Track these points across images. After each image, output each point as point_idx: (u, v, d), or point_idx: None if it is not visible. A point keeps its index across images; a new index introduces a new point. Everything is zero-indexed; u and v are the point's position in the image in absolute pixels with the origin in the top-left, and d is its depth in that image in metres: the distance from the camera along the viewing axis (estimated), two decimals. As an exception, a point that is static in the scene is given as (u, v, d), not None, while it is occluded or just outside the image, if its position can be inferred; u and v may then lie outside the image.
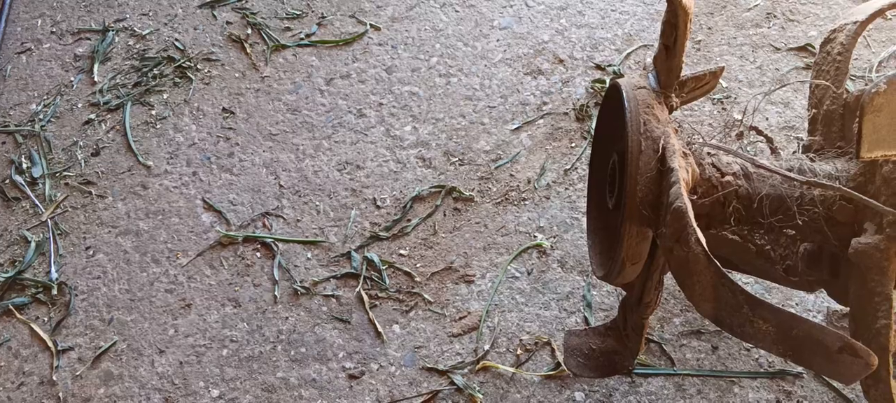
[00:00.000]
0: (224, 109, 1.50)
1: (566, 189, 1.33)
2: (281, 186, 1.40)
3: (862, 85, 1.34)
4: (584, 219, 1.28)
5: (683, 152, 0.83)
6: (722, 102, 1.36)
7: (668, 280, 1.22)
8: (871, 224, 0.85)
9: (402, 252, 1.30)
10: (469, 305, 1.24)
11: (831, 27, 0.99)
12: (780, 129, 1.31)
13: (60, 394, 1.22)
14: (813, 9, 1.46)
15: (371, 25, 1.56)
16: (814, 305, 1.15)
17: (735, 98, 1.36)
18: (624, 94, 0.86)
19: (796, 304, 1.16)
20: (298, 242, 1.33)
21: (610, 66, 1.45)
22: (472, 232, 1.31)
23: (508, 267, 1.27)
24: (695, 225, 0.73)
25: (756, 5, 1.48)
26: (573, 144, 1.38)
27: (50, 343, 1.27)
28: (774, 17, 1.46)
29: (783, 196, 0.87)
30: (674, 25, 0.83)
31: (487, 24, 1.54)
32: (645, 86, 0.87)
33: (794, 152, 0.96)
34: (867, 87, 0.73)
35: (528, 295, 1.24)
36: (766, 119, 1.33)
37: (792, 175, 0.83)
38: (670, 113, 0.91)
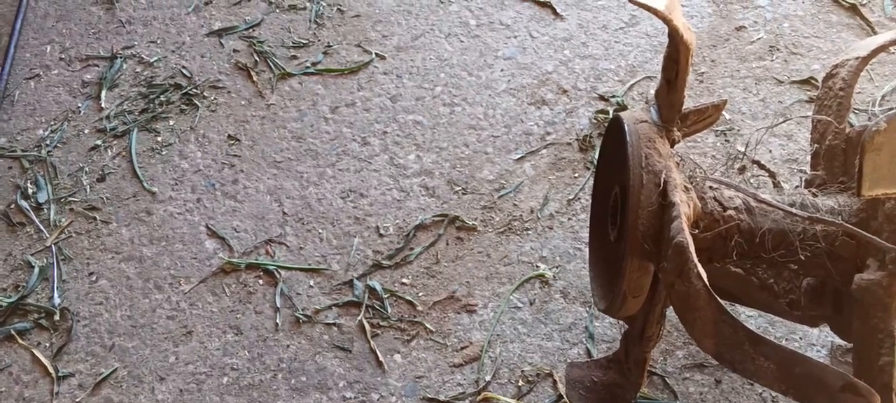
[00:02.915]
0: (229, 136, 1.51)
1: (569, 219, 1.33)
2: (284, 213, 1.40)
3: (865, 119, 1.35)
4: (587, 250, 1.28)
5: (685, 186, 0.83)
6: (725, 134, 1.36)
7: (671, 313, 1.22)
8: (874, 260, 0.85)
9: (404, 280, 1.30)
10: (471, 335, 1.24)
11: (834, 62, 0.99)
12: (784, 162, 1.31)
13: (60, 421, 1.22)
14: (816, 42, 1.47)
15: (376, 54, 1.58)
16: (818, 339, 1.14)
17: (738, 130, 1.36)
18: (626, 128, 0.86)
19: (800, 338, 1.15)
20: (301, 270, 1.33)
21: (613, 96, 1.46)
22: (475, 261, 1.31)
23: (511, 297, 1.26)
24: (696, 260, 0.73)
25: (759, 39, 1.49)
26: (576, 174, 1.38)
27: (51, 370, 1.27)
28: (777, 50, 1.46)
29: (785, 231, 0.87)
30: (675, 60, 0.84)
31: (492, 54, 1.55)
32: (646, 120, 0.88)
33: (797, 186, 0.96)
34: (868, 125, 0.74)
35: (531, 326, 1.24)
36: (770, 151, 1.33)
37: (794, 211, 0.83)
38: (672, 146, 0.91)
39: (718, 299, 0.71)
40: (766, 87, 1.42)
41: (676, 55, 0.83)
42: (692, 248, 0.74)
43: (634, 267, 0.82)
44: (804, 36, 1.48)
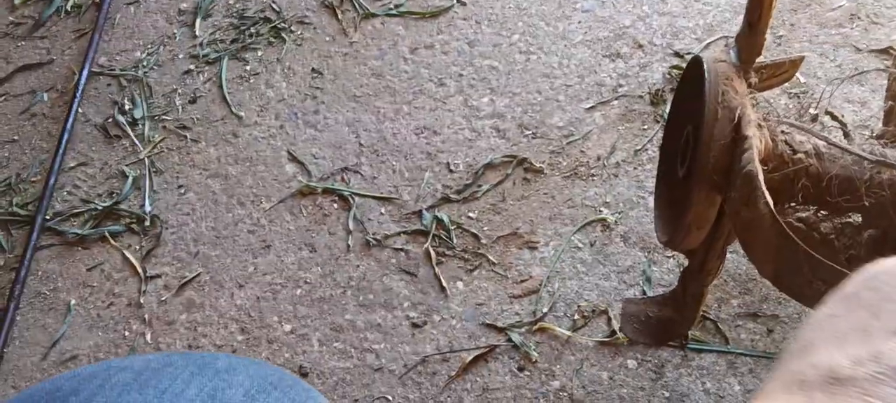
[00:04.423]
0: (313, 70, 1.59)
1: (635, 168, 1.37)
2: (361, 145, 1.47)
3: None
4: (651, 199, 1.31)
5: (759, 124, 0.87)
6: (798, 97, 1.37)
7: (729, 263, 1.25)
8: (940, 210, 0.86)
9: (470, 215, 1.36)
10: (531, 270, 1.29)
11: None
12: (855, 128, 1.32)
13: (146, 316, 1.32)
14: (899, 13, 1.46)
15: (457, 0, 1.62)
16: (876, 299, 1.15)
17: (812, 93, 1.37)
18: (704, 65, 0.90)
19: (858, 297, 1.17)
20: (373, 197, 1.40)
21: (689, 54, 1.47)
22: (540, 201, 1.36)
23: (572, 238, 1.31)
24: (764, 188, 0.77)
25: (840, 6, 1.49)
26: (645, 127, 1.41)
27: (140, 269, 1.37)
28: (858, 18, 1.46)
29: (852, 177, 0.89)
30: (759, 2, 0.87)
31: (570, 5, 1.58)
32: (725, 61, 0.91)
33: (868, 139, 0.97)
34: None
35: (590, 266, 1.28)
36: (843, 115, 1.33)
37: (863, 154, 0.86)
38: (750, 88, 0.94)
39: (783, 223, 0.74)
40: (844, 54, 1.42)
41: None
42: (761, 177, 0.77)
43: (702, 198, 0.86)
44: (886, 6, 1.47)
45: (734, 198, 0.80)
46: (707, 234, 0.92)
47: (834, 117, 0.95)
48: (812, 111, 0.98)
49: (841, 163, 0.90)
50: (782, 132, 0.92)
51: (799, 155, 0.90)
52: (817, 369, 0.29)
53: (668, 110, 1.14)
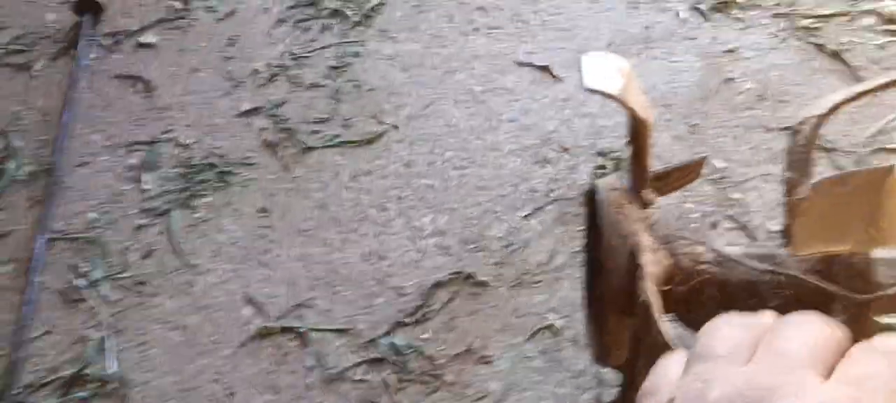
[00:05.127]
0: (261, 209, 1.65)
1: (575, 271, 1.43)
2: (313, 278, 1.52)
3: (852, 162, 1.42)
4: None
5: (653, 248, 0.93)
6: (718, 182, 1.45)
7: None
8: (839, 305, 0.93)
9: (424, 336, 1.41)
10: (488, 385, 1.34)
11: (797, 120, 1.09)
12: (777, 206, 1.40)
13: (118, 481, 1.35)
14: (802, 89, 1.56)
15: (391, 125, 1.70)
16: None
17: (730, 177, 1.45)
18: (597, 197, 0.97)
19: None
20: (329, 330, 1.45)
21: (612, 152, 1.56)
22: (489, 315, 1.41)
23: (524, 348, 1.36)
24: (658, 315, 0.83)
25: (747, 89, 1.58)
26: (581, 228, 1.48)
27: (109, 435, 1.40)
28: (765, 99, 1.56)
29: (754, 281, 0.96)
30: (636, 137, 0.94)
31: (496, 117, 1.66)
32: (618, 188, 0.98)
33: (774, 233, 1.05)
34: (795, 193, 0.83)
35: (545, 373, 1.33)
36: (761, 196, 1.41)
37: (755, 264, 0.92)
38: (646, 208, 1.01)
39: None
40: (757, 135, 1.51)
41: (636, 132, 0.93)
42: (656, 305, 0.84)
43: (614, 322, 0.92)
44: (791, 84, 1.57)
45: (637, 324, 0.86)
46: (630, 352, 0.98)
47: (734, 221, 1.02)
48: (712, 217, 1.05)
49: (739, 270, 0.97)
50: (684, 244, 0.98)
51: (701, 266, 0.97)
52: None
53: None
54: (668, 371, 0.33)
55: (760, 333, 0.32)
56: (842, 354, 0.31)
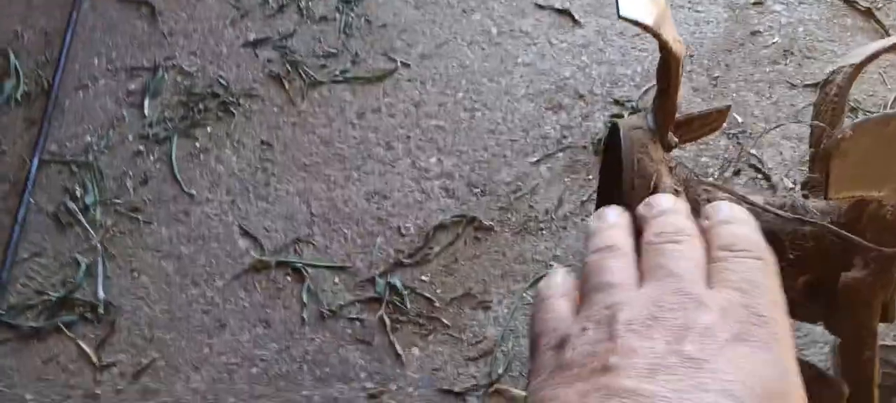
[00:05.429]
0: (263, 142, 1.60)
1: (582, 219, 1.38)
2: (312, 215, 1.48)
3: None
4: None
5: (675, 190, 0.88)
6: (737, 137, 1.39)
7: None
8: (860, 259, 0.88)
9: (423, 278, 1.37)
10: (486, 330, 1.30)
11: (830, 68, 1.02)
12: (795, 164, 1.34)
13: (104, 406, 1.31)
14: (830, 46, 1.49)
15: (401, 63, 1.64)
16: (821, 336, 1.17)
17: (750, 133, 1.39)
18: (621, 134, 0.91)
19: (804, 335, 1.18)
20: (326, 267, 1.41)
21: (628, 101, 1.50)
22: (491, 260, 1.37)
23: (524, 295, 1.32)
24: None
25: (773, 43, 1.52)
26: (590, 177, 1.43)
27: (94, 359, 1.37)
28: (791, 54, 1.49)
29: (775, 231, 0.91)
30: (666, 71, 0.88)
31: (512, 60, 1.60)
32: (641, 127, 0.92)
33: (791, 189, 0.99)
34: (836, 132, 0.77)
35: (544, 323, 1.29)
36: (781, 153, 1.35)
37: (779, 212, 0.87)
38: (668, 151, 0.95)
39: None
40: (779, 91, 1.45)
41: (667, 67, 0.87)
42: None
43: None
44: (818, 40, 1.50)
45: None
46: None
47: (757, 170, 0.97)
48: (734, 163, 1.00)
49: (763, 217, 0.91)
50: (704, 191, 0.93)
51: (722, 212, 0.91)
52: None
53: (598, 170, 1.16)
54: (555, 310, 0.35)
55: (633, 259, 0.36)
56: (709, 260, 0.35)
